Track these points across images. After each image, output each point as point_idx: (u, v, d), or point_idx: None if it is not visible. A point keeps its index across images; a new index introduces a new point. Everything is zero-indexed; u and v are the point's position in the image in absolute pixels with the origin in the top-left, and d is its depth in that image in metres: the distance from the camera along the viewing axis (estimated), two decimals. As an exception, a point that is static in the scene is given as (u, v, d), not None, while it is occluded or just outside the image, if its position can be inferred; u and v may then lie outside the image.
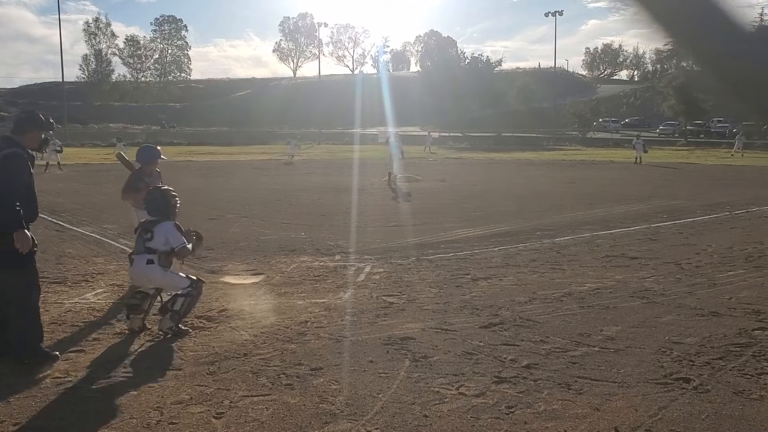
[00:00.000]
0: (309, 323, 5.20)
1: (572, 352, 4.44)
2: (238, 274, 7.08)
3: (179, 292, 4.96)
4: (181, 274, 5.16)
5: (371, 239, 9.35)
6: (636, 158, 28.83)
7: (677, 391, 3.77)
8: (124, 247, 8.56)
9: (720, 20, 0.78)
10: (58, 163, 24.76)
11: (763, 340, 4.66)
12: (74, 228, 10.45)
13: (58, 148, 25.16)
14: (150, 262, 4.94)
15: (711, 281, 6.56)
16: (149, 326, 5.08)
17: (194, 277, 5.22)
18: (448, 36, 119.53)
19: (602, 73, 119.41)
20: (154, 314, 5.24)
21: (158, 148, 6.94)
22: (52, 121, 4.70)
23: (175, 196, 5.25)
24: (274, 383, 3.94)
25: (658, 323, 5.11)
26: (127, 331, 4.99)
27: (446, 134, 58.24)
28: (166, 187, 5.38)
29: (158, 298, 5.09)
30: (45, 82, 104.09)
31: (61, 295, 6.19)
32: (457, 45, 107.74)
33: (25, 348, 4.27)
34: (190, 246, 5.09)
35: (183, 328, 4.94)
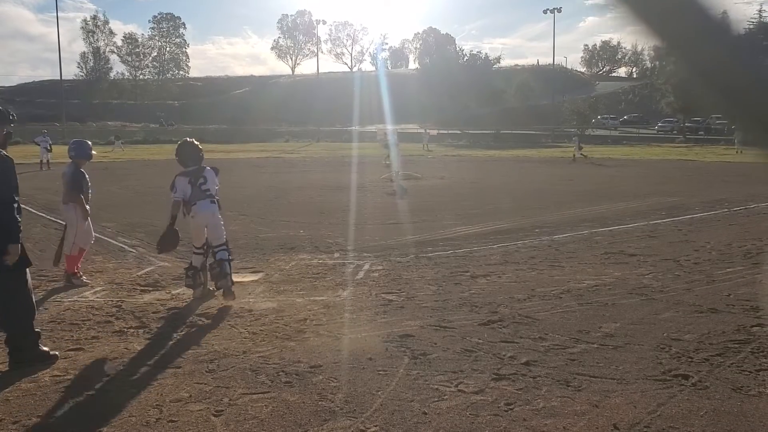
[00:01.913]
0: (308, 321, 5.20)
1: (571, 349, 4.44)
2: (237, 272, 7.06)
3: (224, 257, 5.82)
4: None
5: (370, 237, 9.35)
6: (574, 155, 29.74)
7: (676, 387, 3.77)
8: (123, 245, 8.57)
9: (708, 24, 0.77)
10: (48, 161, 24.60)
11: (762, 337, 4.67)
12: (73, 226, 10.43)
13: (48, 147, 25.05)
14: (213, 202, 5.92)
15: (709, 278, 6.56)
16: (211, 288, 5.96)
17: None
18: (446, 33, 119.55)
19: (601, 70, 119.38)
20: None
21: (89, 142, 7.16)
22: (13, 114, 4.60)
23: (199, 145, 6.21)
24: (273, 381, 3.94)
25: (656, 320, 5.12)
26: (127, 329, 5.00)
27: (445, 132, 58.23)
28: (191, 140, 6.25)
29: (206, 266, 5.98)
30: (43, 80, 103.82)
31: (60, 294, 6.19)
32: (456, 42, 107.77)
33: (23, 350, 4.24)
34: None
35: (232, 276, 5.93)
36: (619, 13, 0.80)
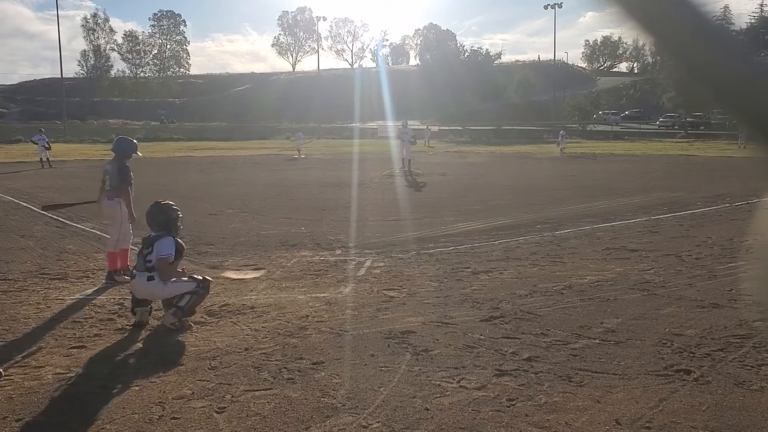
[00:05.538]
0: (310, 318, 5.21)
1: (573, 345, 4.45)
2: (238, 269, 7.09)
3: (186, 290, 5.02)
4: (184, 279, 5.15)
5: (371, 233, 9.35)
6: (561, 149, 31.29)
7: (678, 382, 3.78)
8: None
9: (702, 21, 0.75)
10: (48, 159, 24.65)
11: (764, 332, 4.67)
12: (74, 224, 10.46)
13: (46, 145, 25.13)
14: (150, 278, 4.95)
15: (711, 273, 6.56)
16: (150, 321, 5.11)
17: (200, 277, 5.25)
18: (447, 29, 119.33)
19: (602, 66, 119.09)
20: (156, 310, 5.24)
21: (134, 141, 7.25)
22: None
23: (176, 210, 5.25)
24: (275, 377, 3.95)
25: (658, 315, 5.12)
26: (129, 326, 5.01)
27: (446, 128, 58.16)
28: (165, 202, 5.34)
29: None
30: (44, 79, 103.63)
31: (62, 291, 6.20)
32: (456, 38, 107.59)
33: None
34: (171, 259, 5.00)
35: (187, 323, 5.00)
36: (614, 11, 0.79)
